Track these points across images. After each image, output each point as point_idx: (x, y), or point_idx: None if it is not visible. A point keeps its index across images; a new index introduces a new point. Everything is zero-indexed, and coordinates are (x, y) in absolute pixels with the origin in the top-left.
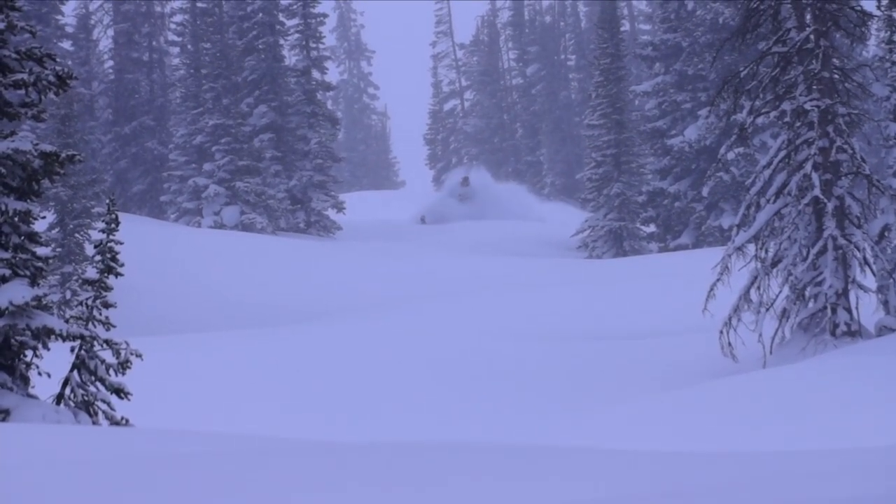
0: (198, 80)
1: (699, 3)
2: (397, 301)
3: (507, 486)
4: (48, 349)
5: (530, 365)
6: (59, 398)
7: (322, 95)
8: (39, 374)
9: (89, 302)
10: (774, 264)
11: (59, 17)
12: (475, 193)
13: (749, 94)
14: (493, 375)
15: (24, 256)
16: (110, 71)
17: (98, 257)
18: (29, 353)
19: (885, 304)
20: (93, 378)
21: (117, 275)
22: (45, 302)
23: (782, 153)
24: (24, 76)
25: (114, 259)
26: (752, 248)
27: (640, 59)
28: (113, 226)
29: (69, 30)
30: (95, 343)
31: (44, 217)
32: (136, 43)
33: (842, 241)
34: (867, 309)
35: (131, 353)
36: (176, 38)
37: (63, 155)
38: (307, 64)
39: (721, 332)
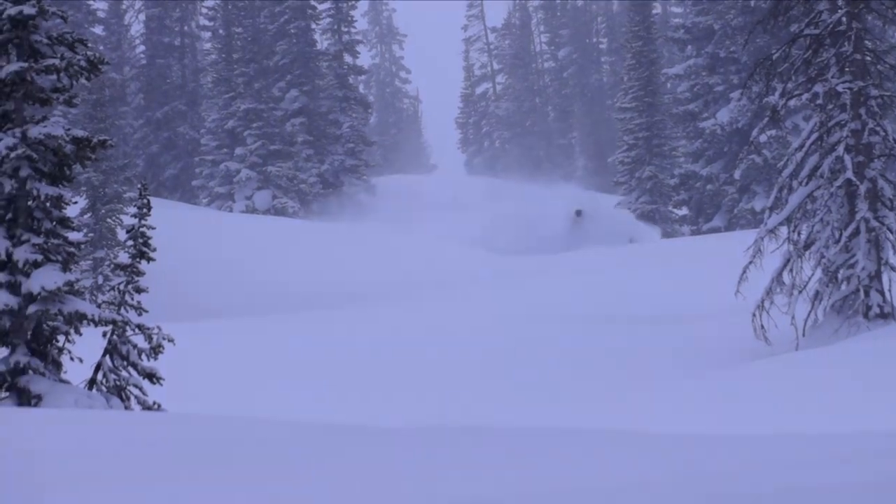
0: (229, 65)
1: None
2: (435, 285)
3: (534, 470)
4: (80, 334)
5: (566, 347)
6: (92, 383)
7: (354, 79)
8: (72, 359)
9: (121, 287)
10: (807, 247)
11: (91, 2)
12: (588, 220)
13: (781, 77)
14: (528, 358)
15: (56, 241)
16: (142, 56)
17: (130, 242)
18: (61, 338)
19: None
20: (125, 363)
21: (149, 259)
22: (77, 287)
23: (814, 136)
24: (56, 61)
25: (146, 244)
26: (784, 230)
27: (672, 41)
28: (145, 210)
29: (100, 14)
30: (127, 328)
31: (75, 202)
32: (167, 28)
33: (874, 223)
34: None
35: (163, 338)
36: (207, 23)
37: (95, 140)
38: (339, 48)
39: (754, 314)
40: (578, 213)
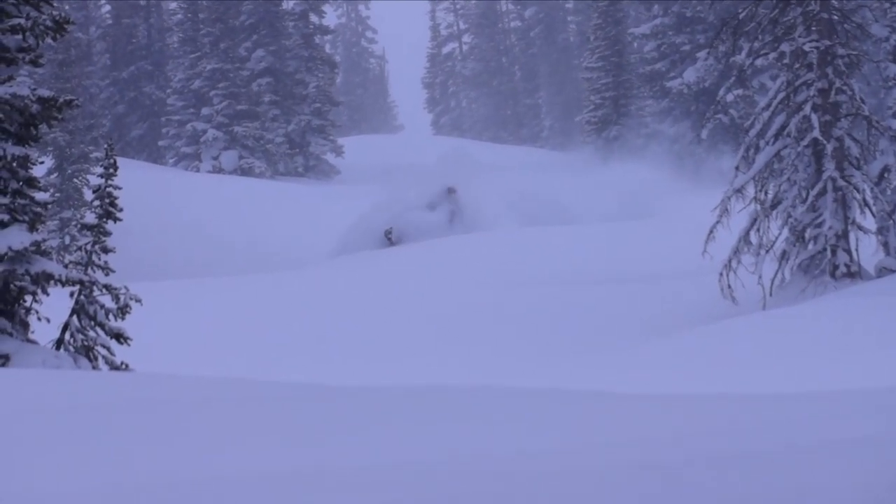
0: (195, 25)
1: None
2: (401, 245)
3: (510, 430)
4: (47, 294)
5: (529, 309)
6: (59, 343)
7: (320, 39)
8: (39, 319)
9: (88, 247)
10: (774, 206)
11: None
12: (459, 204)
13: (748, 36)
14: (497, 320)
15: (22, 202)
16: (108, 15)
17: (97, 202)
18: (28, 298)
19: (885, 245)
20: (92, 323)
21: (116, 220)
22: (44, 247)
23: (781, 95)
24: (22, 21)
25: (112, 204)
26: (751, 189)
27: (639, 0)
28: (111, 171)
29: None
30: (95, 288)
31: (42, 162)
32: None
33: (841, 182)
34: (867, 250)
35: (130, 298)
36: None
37: (61, 100)
38: (305, 7)
39: (721, 274)
40: (452, 189)
